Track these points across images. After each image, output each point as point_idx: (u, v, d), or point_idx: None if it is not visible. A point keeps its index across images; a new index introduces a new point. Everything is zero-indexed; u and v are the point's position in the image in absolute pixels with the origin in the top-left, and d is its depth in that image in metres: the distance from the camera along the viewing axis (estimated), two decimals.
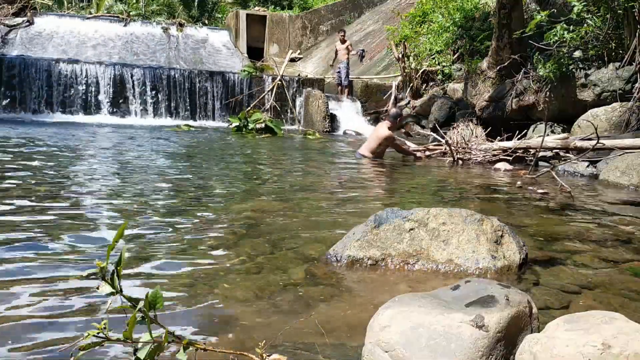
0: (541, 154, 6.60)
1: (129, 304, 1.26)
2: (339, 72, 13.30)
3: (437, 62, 12.62)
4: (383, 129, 6.78)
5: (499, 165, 6.40)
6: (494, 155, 6.82)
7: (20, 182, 4.01)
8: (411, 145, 7.56)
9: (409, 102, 12.76)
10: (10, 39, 16.14)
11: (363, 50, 14.38)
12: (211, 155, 6.80)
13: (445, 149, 7.16)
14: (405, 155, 7.14)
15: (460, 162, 6.80)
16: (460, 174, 5.94)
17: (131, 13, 20.95)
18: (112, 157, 5.88)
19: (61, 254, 2.35)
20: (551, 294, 2.09)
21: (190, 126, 10.97)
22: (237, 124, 10.74)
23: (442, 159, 7.07)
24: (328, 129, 11.96)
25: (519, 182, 5.20)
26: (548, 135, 6.81)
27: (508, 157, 6.67)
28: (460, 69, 11.73)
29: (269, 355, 1.42)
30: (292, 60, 18.74)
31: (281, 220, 3.17)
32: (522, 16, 9.07)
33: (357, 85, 13.70)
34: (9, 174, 4.35)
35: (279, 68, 12.88)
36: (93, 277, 1.25)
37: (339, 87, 13.44)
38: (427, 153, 7.33)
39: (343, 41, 13.37)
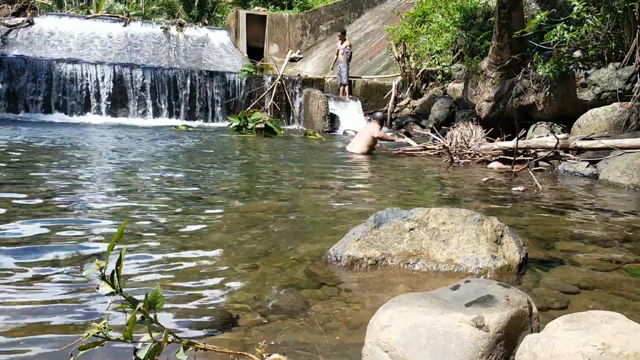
0: (541, 153, 6.61)
1: (129, 303, 1.26)
2: (339, 72, 13.31)
3: (437, 62, 12.62)
4: (375, 128, 7.71)
5: (491, 164, 6.47)
6: (493, 156, 6.83)
7: (19, 181, 4.01)
8: (412, 144, 8.05)
9: (408, 102, 12.77)
10: (10, 39, 16.15)
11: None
12: (211, 155, 6.80)
13: (441, 148, 7.23)
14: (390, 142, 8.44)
15: (459, 161, 6.81)
16: (459, 174, 5.94)
17: (131, 13, 20.97)
18: (110, 157, 5.88)
19: (60, 253, 2.35)
20: (551, 294, 2.08)
21: (188, 126, 10.98)
22: (237, 123, 10.73)
23: (441, 159, 7.08)
24: (328, 129, 11.96)
25: (484, 178, 5.30)
26: (547, 135, 6.84)
27: (508, 157, 6.68)
28: (460, 69, 11.73)
29: (269, 355, 1.42)
30: (292, 60, 18.74)
31: (281, 220, 3.17)
32: (522, 16, 9.07)
33: (357, 85, 13.70)
34: (8, 173, 4.35)
35: (279, 68, 12.88)
36: (93, 276, 1.25)
37: (340, 87, 13.43)
38: (412, 145, 8.02)
39: (343, 41, 13.42)
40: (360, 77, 14.49)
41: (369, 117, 12.73)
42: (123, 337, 1.24)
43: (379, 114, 8.53)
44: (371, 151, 7.62)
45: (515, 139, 6.55)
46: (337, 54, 13.40)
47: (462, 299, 1.49)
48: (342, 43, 13.39)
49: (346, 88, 13.27)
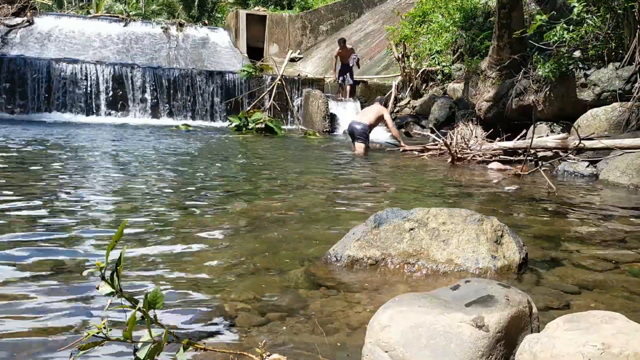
0: (542, 153, 6.61)
1: (129, 303, 1.26)
2: (345, 73, 13.02)
3: (437, 62, 12.61)
4: (379, 106, 8.24)
5: (492, 165, 6.46)
6: (493, 155, 6.83)
7: (19, 181, 4.01)
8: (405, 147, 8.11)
9: (408, 102, 12.76)
10: (10, 39, 16.16)
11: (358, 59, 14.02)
12: (211, 155, 6.80)
13: (441, 148, 7.23)
14: (392, 137, 8.61)
15: (459, 161, 6.82)
16: (459, 174, 5.94)
17: (131, 13, 20.98)
18: (110, 157, 5.88)
19: (60, 253, 2.35)
20: (551, 294, 2.08)
21: (188, 126, 10.97)
22: (237, 123, 10.73)
23: (441, 159, 7.08)
24: (328, 129, 11.95)
25: (495, 180, 5.30)
26: (547, 135, 6.83)
27: (508, 157, 6.68)
28: (460, 69, 11.72)
29: (269, 355, 1.42)
30: (292, 60, 18.74)
31: (281, 220, 3.17)
32: (522, 16, 9.07)
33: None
34: (8, 173, 4.35)
35: (279, 68, 12.87)
36: (93, 276, 1.25)
37: (342, 88, 13.29)
38: (408, 148, 8.01)
39: (345, 50, 13.03)
40: (361, 78, 14.44)
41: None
42: (123, 337, 1.24)
43: (379, 97, 9.25)
44: (375, 126, 8.06)
45: (517, 138, 6.55)
46: (336, 59, 13.13)
47: (462, 299, 1.49)
48: (345, 52, 12.97)
49: (348, 88, 13.17)
